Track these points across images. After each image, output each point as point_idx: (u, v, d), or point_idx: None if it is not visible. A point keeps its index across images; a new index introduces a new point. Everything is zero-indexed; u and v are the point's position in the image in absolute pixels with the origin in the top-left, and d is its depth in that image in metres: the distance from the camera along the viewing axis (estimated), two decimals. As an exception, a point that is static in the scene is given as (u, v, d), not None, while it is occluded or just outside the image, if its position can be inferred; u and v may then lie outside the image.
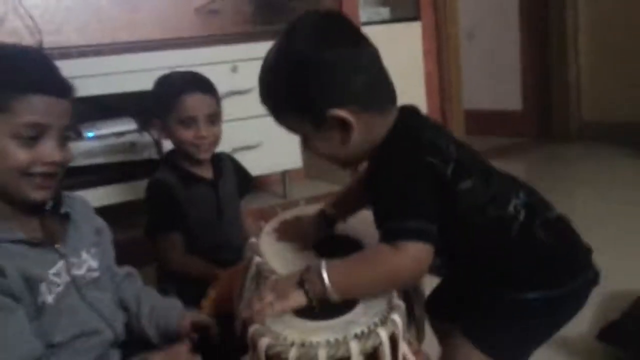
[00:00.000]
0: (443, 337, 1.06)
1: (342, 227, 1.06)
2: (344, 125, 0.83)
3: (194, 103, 1.42)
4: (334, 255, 0.84)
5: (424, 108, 2.95)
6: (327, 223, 1.05)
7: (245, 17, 2.87)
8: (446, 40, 3.01)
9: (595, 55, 3.45)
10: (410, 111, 0.91)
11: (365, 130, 0.85)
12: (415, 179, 0.82)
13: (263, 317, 0.77)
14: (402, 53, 2.86)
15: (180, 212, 1.42)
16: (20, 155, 0.84)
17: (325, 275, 0.77)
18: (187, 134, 1.42)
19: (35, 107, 0.84)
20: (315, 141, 0.87)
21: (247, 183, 1.65)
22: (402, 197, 0.81)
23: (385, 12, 2.91)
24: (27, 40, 2.29)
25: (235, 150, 2.06)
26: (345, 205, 1.05)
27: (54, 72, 0.89)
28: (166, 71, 1.53)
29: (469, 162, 0.88)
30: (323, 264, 0.79)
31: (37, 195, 0.88)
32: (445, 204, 0.83)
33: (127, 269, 1.11)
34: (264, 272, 0.92)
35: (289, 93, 0.84)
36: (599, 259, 0.93)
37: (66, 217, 0.97)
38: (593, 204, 2.50)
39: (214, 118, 1.45)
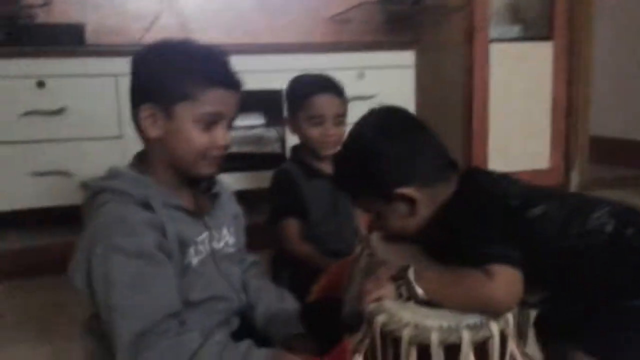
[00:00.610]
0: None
1: None
2: (411, 200, 0.94)
3: (324, 103, 1.52)
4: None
5: (547, 132, 2.84)
6: None
7: (374, 26, 2.96)
8: (579, 63, 2.86)
9: None
10: (472, 168, 1.02)
11: (431, 199, 0.96)
12: (491, 214, 0.90)
13: (363, 301, 0.86)
14: (530, 73, 2.76)
15: (301, 201, 1.53)
16: (201, 138, 0.96)
17: (414, 283, 0.85)
18: (314, 132, 1.52)
19: (218, 99, 0.96)
20: (387, 216, 0.99)
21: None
22: (484, 229, 0.89)
23: (516, 30, 2.81)
24: (177, 36, 2.54)
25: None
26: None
27: (232, 68, 1.01)
28: (298, 73, 1.63)
29: (537, 193, 0.97)
30: (412, 273, 0.86)
31: (208, 171, 1.01)
32: (522, 234, 0.89)
33: (253, 257, 1.20)
34: (372, 264, 0.99)
35: (360, 177, 0.97)
36: None
37: (215, 196, 1.09)
38: None
39: (341, 119, 1.54)
